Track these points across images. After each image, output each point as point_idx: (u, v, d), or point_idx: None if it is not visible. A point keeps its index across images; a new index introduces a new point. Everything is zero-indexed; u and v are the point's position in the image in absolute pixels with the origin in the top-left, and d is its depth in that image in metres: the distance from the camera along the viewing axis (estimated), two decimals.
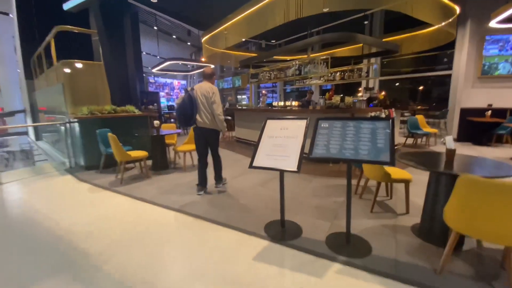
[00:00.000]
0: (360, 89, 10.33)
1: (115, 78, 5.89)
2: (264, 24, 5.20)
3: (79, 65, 5.76)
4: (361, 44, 7.48)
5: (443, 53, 8.23)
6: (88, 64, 5.86)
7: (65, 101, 5.48)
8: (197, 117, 3.39)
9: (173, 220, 2.87)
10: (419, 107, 7.98)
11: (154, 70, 12.78)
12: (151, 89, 17.40)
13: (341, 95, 4.67)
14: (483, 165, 2.19)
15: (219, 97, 3.45)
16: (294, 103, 5.86)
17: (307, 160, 2.07)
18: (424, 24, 6.84)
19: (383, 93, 6.44)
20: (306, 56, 5.81)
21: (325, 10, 4.76)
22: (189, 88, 3.42)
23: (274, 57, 8.18)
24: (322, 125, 2.27)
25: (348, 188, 2.15)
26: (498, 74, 6.71)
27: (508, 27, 6.19)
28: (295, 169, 2.10)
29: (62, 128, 5.29)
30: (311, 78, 6.42)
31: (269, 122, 2.54)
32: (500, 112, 6.78)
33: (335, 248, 2.20)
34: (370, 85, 9.53)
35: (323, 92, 12.18)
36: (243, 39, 9.94)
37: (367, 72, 6.81)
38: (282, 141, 2.33)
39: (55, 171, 5.10)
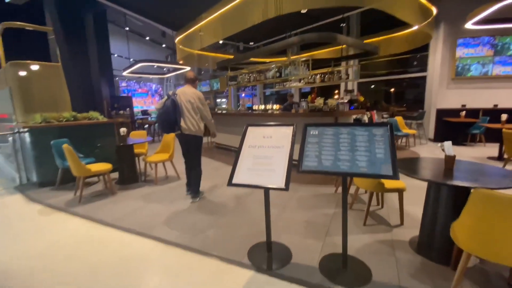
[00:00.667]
0: (336, 91, 10.33)
1: (76, 82, 5.26)
2: (242, 23, 4.87)
3: (33, 66, 5.06)
4: (339, 47, 7.40)
5: (417, 55, 8.40)
6: (44, 66, 5.17)
7: (14, 108, 4.75)
8: (182, 123, 3.21)
9: (139, 248, 2.41)
10: (400, 109, 8.05)
11: (125, 73, 11.97)
12: (129, 93, 16.47)
13: (323, 97, 4.46)
14: (489, 174, 1.99)
15: (205, 101, 3.34)
16: (275, 106, 5.60)
17: (297, 173, 1.73)
18: (401, 26, 6.89)
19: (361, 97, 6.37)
20: (286, 58, 5.57)
21: (304, 11, 4.54)
22: (170, 93, 3.22)
23: (254, 59, 7.90)
24: (311, 133, 1.97)
25: (343, 205, 1.85)
26: (470, 76, 6.91)
27: (481, 29, 6.38)
28: (282, 185, 1.76)
29: (10, 139, 4.57)
30: (291, 80, 6.19)
31: (250, 129, 2.19)
32: (473, 112, 6.98)
33: (330, 275, 1.88)
34: (349, 88, 9.54)
35: (302, 95, 12.09)
36: (220, 41, 9.56)
37: (347, 74, 6.73)
38: (266, 152, 1.99)
39: (1, 189, 4.38)
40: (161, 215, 3.01)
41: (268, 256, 2.11)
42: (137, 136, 5.00)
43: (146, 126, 10.71)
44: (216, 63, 7.27)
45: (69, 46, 5.08)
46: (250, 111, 6.66)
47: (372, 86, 10.85)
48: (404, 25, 6.59)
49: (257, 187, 1.82)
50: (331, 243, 2.32)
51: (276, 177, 1.81)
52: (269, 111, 5.63)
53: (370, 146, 1.75)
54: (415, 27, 6.14)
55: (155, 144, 8.45)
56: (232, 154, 6.21)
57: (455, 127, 6.87)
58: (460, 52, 6.90)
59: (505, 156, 4.04)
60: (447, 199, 2.00)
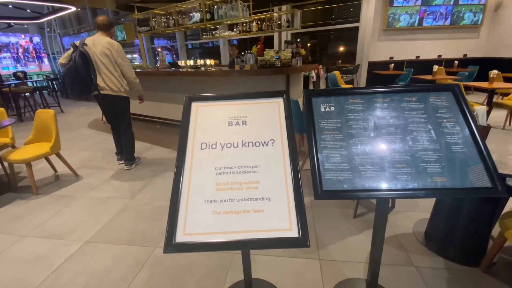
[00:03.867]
0: (258, 46, 9.37)
1: None
2: None
3: None
4: None
5: (350, 5, 8.02)
6: None
7: None
8: (99, 81, 2.68)
9: None
10: (343, 63, 7.77)
11: None
12: None
13: (274, 49, 3.49)
14: None
15: (124, 53, 2.73)
16: (210, 61, 4.32)
17: (315, 199, 0.81)
18: None
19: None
20: None
21: None
22: (77, 43, 2.61)
23: None
24: (322, 110, 1.03)
25: (376, 239, 1.08)
26: (399, 27, 6.96)
27: None
28: (291, 232, 0.83)
29: None
30: (224, 24, 4.86)
31: (198, 108, 1.09)
32: (399, 64, 7.26)
33: None
34: (285, 39, 8.69)
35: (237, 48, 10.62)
36: None
37: (288, 21, 5.78)
38: (242, 157, 0.97)
39: None
40: (49, 261, 1.73)
41: None
42: None
43: (23, 95, 7.56)
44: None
45: None
46: (173, 68, 5.13)
47: (298, 40, 10.27)
48: None
49: (237, 247, 0.83)
50: (330, 265, 1.63)
51: (275, 214, 0.86)
52: (202, 69, 4.32)
53: (437, 134, 0.96)
54: None
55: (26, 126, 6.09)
56: (157, 128, 4.79)
57: (384, 79, 7.07)
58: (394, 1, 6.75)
59: None
60: None
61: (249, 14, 4.15)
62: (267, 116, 1.05)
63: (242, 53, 3.96)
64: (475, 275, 1.49)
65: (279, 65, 3.44)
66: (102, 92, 2.69)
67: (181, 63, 4.76)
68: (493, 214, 1.55)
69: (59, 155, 2.90)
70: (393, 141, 0.95)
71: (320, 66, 5.26)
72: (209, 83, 4.03)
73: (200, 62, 4.43)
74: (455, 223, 1.62)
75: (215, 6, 3.92)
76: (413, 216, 2.02)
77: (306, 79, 4.91)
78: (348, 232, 1.89)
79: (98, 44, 2.62)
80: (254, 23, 5.78)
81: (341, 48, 9.36)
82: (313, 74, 4.77)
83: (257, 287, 1.41)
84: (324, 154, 0.95)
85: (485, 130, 1.49)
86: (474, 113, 1.51)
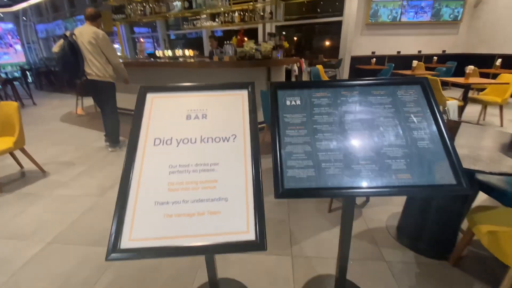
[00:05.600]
0: (246, 39, 9.18)
1: None
2: None
3: None
4: None
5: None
6: None
7: None
8: (86, 68, 2.95)
9: None
10: (320, 56, 7.73)
11: None
12: None
13: (254, 40, 3.39)
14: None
15: (109, 42, 2.97)
16: (188, 52, 4.15)
17: (275, 198, 0.75)
18: None
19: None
20: None
21: None
22: (67, 33, 2.89)
23: None
24: (288, 103, 0.97)
25: (344, 231, 1.05)
26: (381, 21, 7.01)
27: None
28: (248, 234, 0.77)
29: None
30: (204, 15, 4.69)
31: (153, 100, 1.00)
32: (380, 59, 7.35)
33: None
34: (268, 31, 8.55)
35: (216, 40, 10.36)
36: None
37: (271, 13, 5.66)
38: (200, 154, 0.90)
39: None
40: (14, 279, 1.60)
41: None
42: None
43: None
44: None
45: None
46: (152, 59, 4.90)
47: (284, 33, 10.15)
48: None
49: (188, 253, 0.76)
50: (301, 255, 1.61)
51: (232, 216, 0.80)
52: (181, 60, 4.16)
53: (403, 128, 0.92)
54: None
55: None
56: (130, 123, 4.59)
57: (366, 74, 7.13)
58: None
59: None
60: None
61: (229, 3, 4.00)
62: (229, 110, 0.97)
63: (226, 42, 3.83)
64: (444, 268, 1.51)
65: (259, 57, 3.36)
66: (88, 77, 2.96)
67: (159, 53, 4.56)
68: (462, 208, 1.57)
69: (24, 150, 2.71)
70: (358, 136, 0.91)
71: (303, 59, 5.20)
72: (188, 74, 3.88)
73: (178, 52, 4.26)
74: (425, 217, 1.63)
75: None
76: (387, 210, 2.03)
77: (289, 72, 4.85)
78: (323, 226, 1.87)
79: (85, 33, 2.87)
80: (237, 14, 5.62)
81: (325, 42, 9.34)
82: (295, 67, 4.71)
83: (226, 287, 1.35)
84: (287, 150, 0.89)
85: (456, 125, 1.50)
86: (446, 108, 1.51)
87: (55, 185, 2.59)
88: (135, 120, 0.93)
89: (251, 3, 4.72)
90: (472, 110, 4.46)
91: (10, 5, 11.11)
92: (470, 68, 3.91)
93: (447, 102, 1.50)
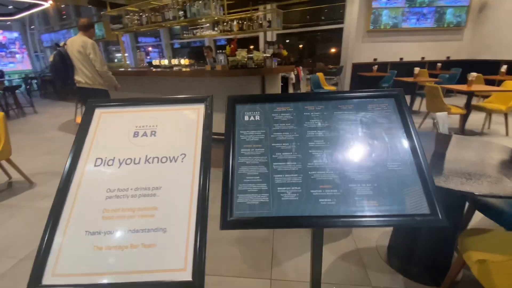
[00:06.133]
0: (252, 47, 9.18)
1: None
2: None
3: None
4: None
5: (335, 5, 7.94)
6: None
7: None
8: (75, 76, 3.09)
9: None
10: (320, 64, 7.66)
11: None
12: None
13: (246, 49, 3.34)
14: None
15: (96, 49, 3.01)
16: (184, 61, 4.13)
17: (220, 229, 0.64)
18: None
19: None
20: None
21: None
22: (61, 43, 3.09)
23: None
24: (246, 119, 0.88)
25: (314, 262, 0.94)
26: (383, 28, 6.92)
27: None
28: (184, 271, 0.68)
29: None
30: (201, 24, 4.68)
31: (103, 116, 0.92)
32: (383, 66, 7.22)
33: None
34: (269, 39, 8.56)
35: (218, 48, 10.43)
36: None
37: (269, 21, 5.64)
38: (143, 176, 0.81)
39: None
40: None
41: None
42: None
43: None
44: None
45: None
46: (152, 68, 4.92)
47: (288, 41, 10.14)
48: None
49: None
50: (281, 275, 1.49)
51: (169, 250, 0.70)
52: (175, 69, 4.14)
53: (370, 145, 0.82)
54: None
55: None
56: None
57: (368, 81, 7.01)
58: (378, 1, 6.69)
59: (427, 109, 4.05)
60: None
61: (223, 13, 3.99)
62: (182, 126, 0.89)
63: (218, 51, 3.79)
64: None
65: (253, 66, 3.29)
66: (78, 85, 3.09)
67: (155, 62, 4.56)
68: (457, 228, 1.44)
69: (9, 161, 2.68)
70: (320, 157, 0.81)
71: (301, 67, 5.14)
72: (182, 84, 3.85)
73: (174, 61, 4.25)
74: (417, 238, 1.50)
75: (185, 4, 3.74)
76: (379, 228, 1.90)
77: (286, 80, 4.78)
78: (308, 246, 1.75)
79: (75, 43, 3.00)
80: (235, 23, 5.63)
81: (326, 50, 9.29)
82: (292, 76, 4.64)
83: None
84: (241, 172, 0.80)
85: (446, 139, 1.38)
86: (435, 121, 1.39)
87: (40, 197, 2.54)
88: (77, 137, 0.86)
89: (249, 12, 4.70)
90: (476, 118, 4.28)
91: (12, 14, 11.41)
92: (472, 75, 3.77)
93: (436, 114, 1.39)
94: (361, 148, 0.81)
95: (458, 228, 1.46)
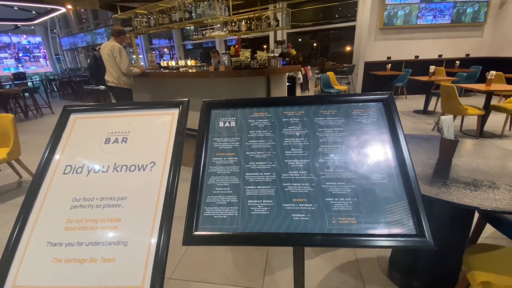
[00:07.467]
0: (265, 46, 9.11)
1: None
2: None
3: None
4: None
5: (347, 3, 7.72)
6: None
7: None
8: (105, 76, 3.47)
9: None
10: (332, 63, 7.48)
11: None
12: None
13: (250, 49, 3.29)
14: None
15: (122, 53, 3.32)
16: (190, 62, 4.15)
17: (182, 245, 0.61)
18: None
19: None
20: None
21: None
22: (98, 47, 3.51)
23: None
24: (220, 125, 0.83)
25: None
26: (397, 25, 6.65)
27: None
28: None
29: None
30: (211, 26, 4.68)
31: (77, 122, 0.90)
32: (397, 64, 6.95)
33: None
34: (279, 38, 8.47)
35: (228, 48, 10.45)
36: None
37: (277, 20, 5.57)
38: (110, 185, 0.78)
39: None
40: None
41: None
42: None
43: (24, 94, 7.49)
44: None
45: None
46: (162, 69, 4.98)
47: (300, 40, 9.99)
48: None
49: None
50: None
51: (128, 265, 0.66)
52: (182, 69, 4.16)
53: (352, 155, 0.75)
54: None
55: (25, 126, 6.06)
56: None
57: (381, 80, 6.77)
58: None
59: (441, 110, 3.83)
60: (443, 211, 1.26)
61: (228, 13, 3.96)
62: (154, 132, 0.85)
63: (223, 52, 3.77)
64: None
65: (256, 66, 3.24)
66: (107, 84, 3.50)
67: (163, 63, 4.61)
68: (464, 241, 1.32)
69: (18, 161, 2.77)
70: (297, 167, 0.74)
71: (309, 67, 5.02)
72: (187, 84, 3.86)
73: (181, 62, 4.27)
74: (421, 251, 1.39)
75: (191, 6, 3.74)
76: None
77: (294, 80, 4.69)
78: (306, 254, 1.68)
79: (106, 47, 3.35)
80: (243, 23, 5.59)
81: (339, 48, 9.07)
82: (300, 75, 4.54)
83: None
84: (210, 183, 0.75)
85: (451, 144, 1.26)
86: (439, 125, 1.28)
87: None
88: (49, 144, 0.84)
89: (257, 11, 4.64)
90: (496, 119, 4.02)
91: (33, 19, 11.95)
92: (491, 73, 3.53)
93: (441, 118, 1.28)
94: (342, 158, 0.74)
95: (466, 241, 1.34)
